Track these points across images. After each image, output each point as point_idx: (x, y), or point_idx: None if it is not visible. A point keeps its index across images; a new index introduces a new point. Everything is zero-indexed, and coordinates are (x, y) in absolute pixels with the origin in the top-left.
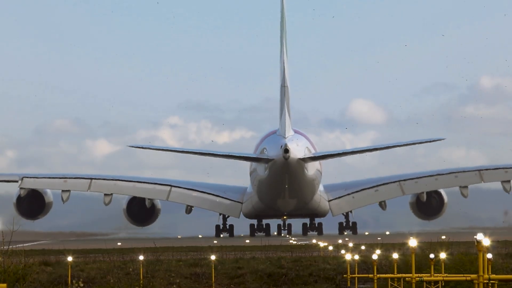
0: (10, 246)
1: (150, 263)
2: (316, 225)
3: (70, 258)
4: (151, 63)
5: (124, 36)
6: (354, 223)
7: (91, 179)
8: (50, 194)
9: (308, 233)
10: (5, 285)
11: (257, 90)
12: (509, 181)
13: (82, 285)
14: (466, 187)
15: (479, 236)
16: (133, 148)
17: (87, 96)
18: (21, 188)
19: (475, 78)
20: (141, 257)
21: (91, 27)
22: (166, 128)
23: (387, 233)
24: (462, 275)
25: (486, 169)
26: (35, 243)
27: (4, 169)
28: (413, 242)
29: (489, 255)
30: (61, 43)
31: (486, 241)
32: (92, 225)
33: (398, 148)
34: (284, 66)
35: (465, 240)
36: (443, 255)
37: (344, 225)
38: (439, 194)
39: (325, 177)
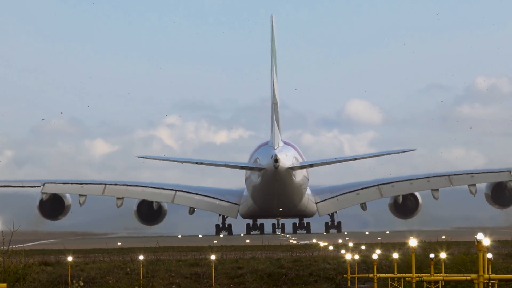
0: (10, 246)
1: (150, 263)
2: (305, 224)
3: (70, 258)
4: (149, 63)
5: (121, 36)
6: (339, 223)
7: (105, 184)
8: (69, 197)
9: (298, 231)
10: (5, 285)
11: (253, 89)
12: (474, 184)
13: (82, 284)
14: (437, 190)
15: (479, 236)
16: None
17: (84, 96)
18: (43, 192)
19: (470, 78)
20: (141, 257)
21: (88, 27)
22: (163, 127)
23: (387, 232)
24: (462, 275)
25: (455, 174)
26: (35, 243)
27: (2, 168)
28: (413, 242)
29: (489, 255)
30: (59, 42)
31: (486, 241)
32: (94, 225)
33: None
34: (273, 84)
35: (465, 240)
36: (443, 255)
37: (329, 224)
38: (415, 197)
39: (326, 175)
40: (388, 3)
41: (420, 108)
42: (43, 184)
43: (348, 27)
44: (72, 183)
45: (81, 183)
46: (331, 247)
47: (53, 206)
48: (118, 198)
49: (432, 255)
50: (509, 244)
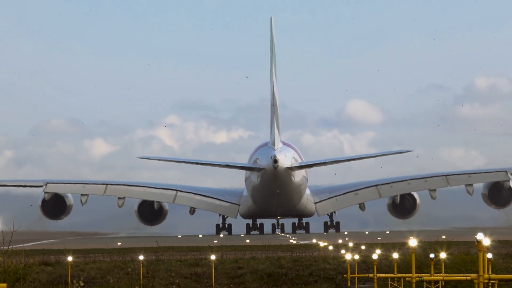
0: (10, 246)
1: (150, 263)
2: (304, 224)
3: (70, 258)
4: (148, 63)
5: (121, 36)
6: (338, 222)
7: (107, 184)
8: (71, 197)
9: (297, 231)
10: (5, 285)
11: (253, 89)
12: (471, 185)
13: (82, 284)
14: (434, 190)
15: (479, 236)
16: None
17: (83, 96)
18: (45, 192)
19: (470, 79)
20: (141, 257)
21: (88, 27)
22: (163, 127)
23: (387, 232)
24: (462, 275)
25: (452, 174)
26: (35, 243)
27: (2, 168)
28: (413, 242)
29: (489, 255)
30: (59, 42)
31: (486, 241)
32: (94, 225)
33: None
34: (273, 86)
35: (465, 240)
36: (443, 255)
37: (328, 224)
38: (412, 197)
39: (325, 175)
40: (388, 3)
41: (420, 108)
42: (46, 184)
43: (348, 27)
44: (74, 183)
45: (83, 183)
46: (331, 247)
47: (55, 206)
48: (119, 198)
49: (432, 255)
50: (509, 244)
